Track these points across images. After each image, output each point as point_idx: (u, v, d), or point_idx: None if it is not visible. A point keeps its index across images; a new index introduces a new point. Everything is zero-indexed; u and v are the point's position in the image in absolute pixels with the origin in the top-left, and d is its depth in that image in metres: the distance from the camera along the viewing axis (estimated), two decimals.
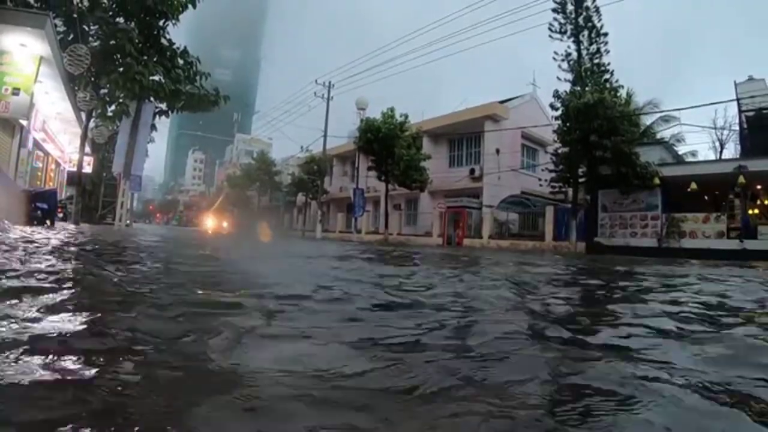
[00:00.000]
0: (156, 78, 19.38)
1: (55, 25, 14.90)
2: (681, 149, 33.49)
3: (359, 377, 1.61)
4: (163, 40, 19.94)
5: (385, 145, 30.86)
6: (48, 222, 13.66)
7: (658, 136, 33.02)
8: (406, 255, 12.27)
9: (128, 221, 25.59)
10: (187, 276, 4.59)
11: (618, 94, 24.35)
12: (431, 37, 42.77)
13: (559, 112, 24.29)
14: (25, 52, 13.86)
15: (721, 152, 36.26)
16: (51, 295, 2.71)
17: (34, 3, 16.14)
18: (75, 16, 17.13)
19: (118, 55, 18.31)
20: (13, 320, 2.01)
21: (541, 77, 34.86)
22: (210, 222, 55.21)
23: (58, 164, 28.11)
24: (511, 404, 1.41)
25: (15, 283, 3.07)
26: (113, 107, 20.44)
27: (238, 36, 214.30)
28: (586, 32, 26.83)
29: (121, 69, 18.25)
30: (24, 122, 16.47)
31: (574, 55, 27.01)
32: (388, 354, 1.93)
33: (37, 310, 2.25)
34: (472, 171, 33.06)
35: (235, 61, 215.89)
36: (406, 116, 32.50)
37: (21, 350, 1.60)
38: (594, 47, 26.71)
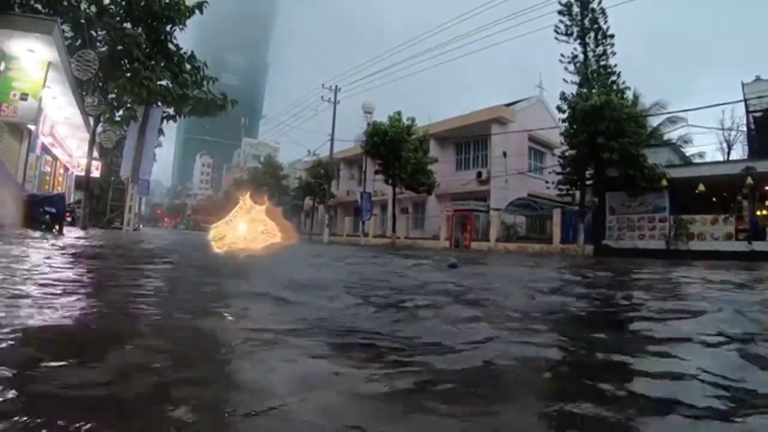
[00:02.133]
0: (163, 83, 19.44)
1: (63, 31, 15.01)
2: (688, 151, 33.35)
3: None
4: (170, 45, 19.99)
5: (392, 148, 30.87)
6: (56, 227, 13.68)
7: (665, 137, 32.85)
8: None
9: (135, 225, 25.71)
10: None
11: (624, 96, 24.30)
12: (439, 40, 42.80)
13: (565, 115, 24.23)
14: (33, 58, 13.98)
15: (728, 153, 36.12)
16: None
17: (42, 9, 16.23)
18: (82, 21, 17.23)
19: (126, 61, 18.38)
20: None
21: (548, 79, 34.81)
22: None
23: (66, 169, 28.30)
24: None
25: None
26: (121, 112, 20.55)
27: (245, 41, 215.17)
28: (592, 34, 26.82)
29: (128, 74, 18.32)
30: (32, 127, 16.61)
31: (581, 57, 26.99)
32: None
33: None
34: (479, 174, 33.01)
35: (243, 66, 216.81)
36: (413, 120, 32.52)
37: None
38: (600, 49, 26.69)
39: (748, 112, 26.66)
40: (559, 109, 24.89)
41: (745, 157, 27.38)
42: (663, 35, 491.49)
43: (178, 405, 1.30)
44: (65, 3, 17.23)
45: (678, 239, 21.98)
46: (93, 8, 18.33)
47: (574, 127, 23.52)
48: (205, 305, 3.17)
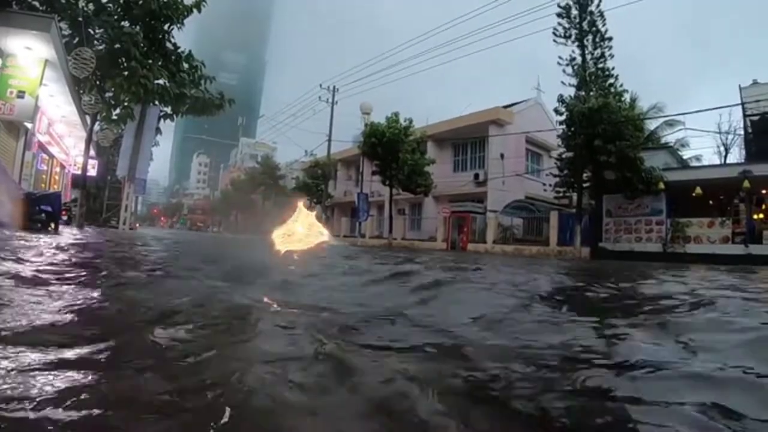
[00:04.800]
0: (161, 82, 19.38)
1: (60, 29, 14.96)
2: (685, 154, 33.42)
3: None
4: (168, 44, 19.94)
5: (390, 149, 30.82)
6: (52, 226, 13.62)
7: (663, 140, 32.92)
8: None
9: (131, 225, 25.63)
10: None
11: (622, 99, 24.32)
12: (438, 41, 42.88)
13: (563, 117, 24.25)
14: (30, 56, 13.93)
15: (725, 157, 36.18)
16: None
17: (40, 6, 16.18)
18: (80, 19, 17.19)
19: (123, 59, 18.31)
20: None
21: (546, 82, 34.85)
22: None
23: (62, 167, 28.22)
24: None
25: None
26: (118, 111, 20.46)
27: (243, 40, 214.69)
28: (590, 37, 26.73)
29: (126, 72, 18.26)
30: (29, 125, 16.55)
31: (579, 59, 26.93)
32: None
33: None
34: (477, 176, 32.99)
35: (240, 65, 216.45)
36: (411, 121, 32.45)
37: None
38: (598, 52, 26.60)
39: (745, 115, 26.75)
40: (556, 111, 24.90)
41: (742, 161, 27.44)
42: (662, 38, 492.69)
43: None
44: (63, 0, 17.18)
45: (675, 242, 22.01)
46: (91, 6, 18.28)
47: (572, 129, 23.54)
48: None
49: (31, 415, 1.19)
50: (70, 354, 1.75)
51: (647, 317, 3.44)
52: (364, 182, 38.40)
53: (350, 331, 2.57)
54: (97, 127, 21.21)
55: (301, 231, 6.57)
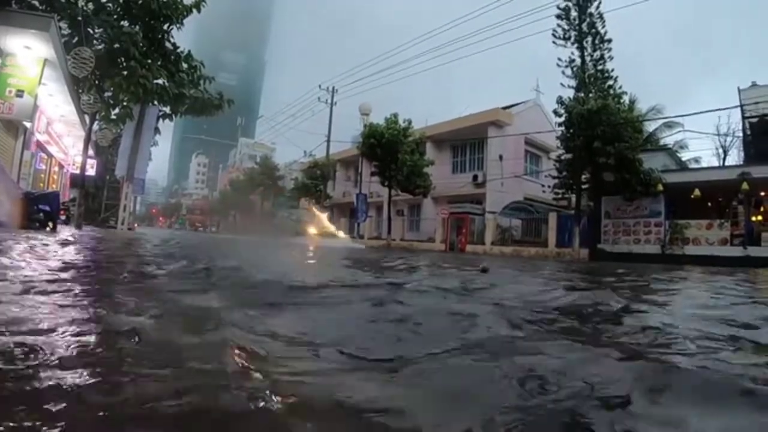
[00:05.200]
0: (160, 81, 19.33)
1: (60, 28, 14.95)
2: (684, 156, 33.47)
3: None
4: (167, 44, 19.90)
5: (389, 150, 30.79)
6: (50, 225, 13.62)
7: (662, 142, 32.97)
8: None
9: (130, 225, 25.59)
10: None
11: (621, 101, 24.33)
12: (438, 42, 42.95)
13: (562, 119, 24.22)
14: (29, 55, 13.92)
15: (724, 159, 36.27)
16: None
17: (39, 5, 16.15)
18: (80, 18, 17.15)
19: (123, 59, 18.26)
20: None
21: (546, 83, 34.88)
22: None
23: (61, 166, 28.18)
24: None
25: None
26: (117, 110, 20.39)
27: (242, 40, 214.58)
28: (589, 38, 26.81)
29: (125, 72, 18.21)
30: (27, 124, 16.55)
31: (578, 61, 26.98)
32: None
33: None
34: (475, 177, 33.00)
35: (240, 65, 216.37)
36: (410, 122, 32.42)
37: None
38: (598, 53, 26.69)
39: (744, 117, 26.78)
40: (555, 113, 24.88)
41: (741, 163, 27.47)
42: (662, 39, 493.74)
43: None
44: (63, 0, 17.16)
45: (673, 244, 22.02)
46: (90, 5, 18.24)
47: (571, 131, 23.52)
48: None
49: None
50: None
51: None
52: (363, 183, 38.39)
53: None
54: (95, 126, 21.16)
55: (317, 232, 7.73)
